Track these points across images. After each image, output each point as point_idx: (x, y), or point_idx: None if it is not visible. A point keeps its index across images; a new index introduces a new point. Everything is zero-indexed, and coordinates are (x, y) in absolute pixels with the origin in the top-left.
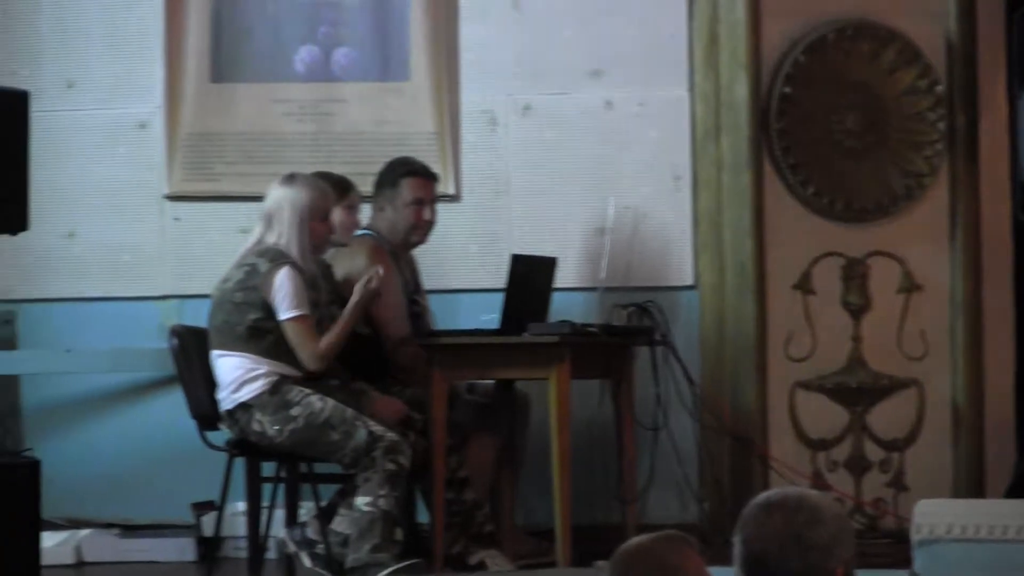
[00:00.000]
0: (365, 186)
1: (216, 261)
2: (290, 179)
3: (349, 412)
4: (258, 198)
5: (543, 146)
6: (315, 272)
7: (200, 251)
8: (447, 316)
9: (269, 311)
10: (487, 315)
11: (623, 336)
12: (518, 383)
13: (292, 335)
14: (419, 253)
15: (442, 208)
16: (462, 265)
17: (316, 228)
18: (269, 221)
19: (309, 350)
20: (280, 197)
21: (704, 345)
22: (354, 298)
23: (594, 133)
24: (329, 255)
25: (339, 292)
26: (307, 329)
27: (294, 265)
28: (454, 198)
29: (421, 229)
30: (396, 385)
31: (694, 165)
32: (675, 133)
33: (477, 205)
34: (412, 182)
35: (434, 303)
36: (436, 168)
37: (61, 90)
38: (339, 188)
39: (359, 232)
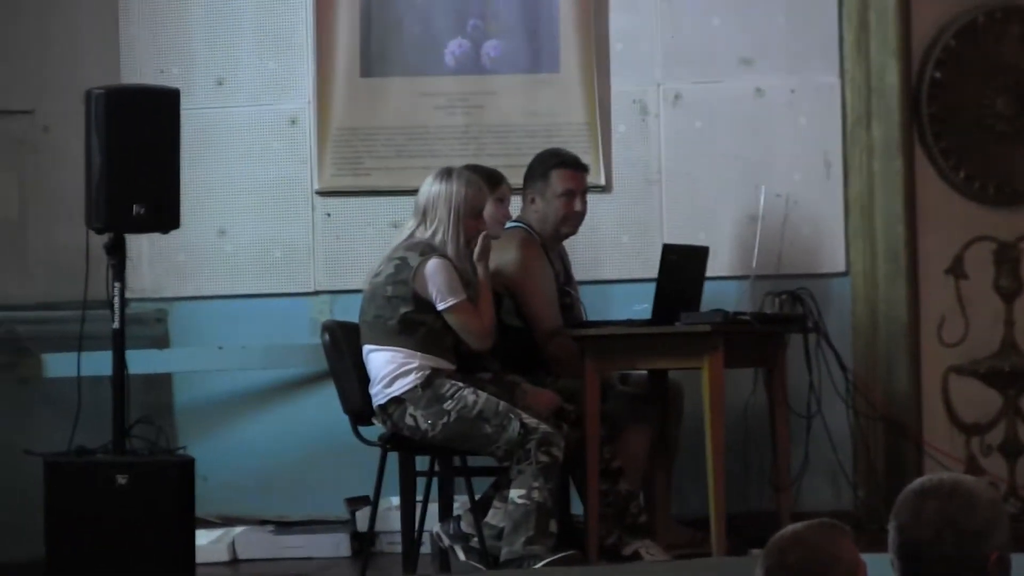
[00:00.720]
0: (515, 178)
1: (367, 256)
2: (447, 174)
3: (502, 405)
4: (409, 192)
5: (694, 135)
6: (469, 269)
7: (351, 246)
8: (599, 307)
9: (420, 304)
10: (639, 305)
11: (776, 324)
12: (671, 373)
13: (456, 322)
14: (570, 244)
15: (593, 199)
16: (613, 256)
17: (470, 225)
18: (423, 216)
19: (477, 331)
20: (436, 192)
21: (856, 332)
22: (479, 267)
23: (745, 121)
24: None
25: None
26: (470, 312)
27: (444, 256)
28: (604, 188)
29: (572, 220)
30: (548, 377)
31: (845, 152)
32: (826, 120)
33: (628, 195)
34: (562, 173)
35: (585, 294)
36: (586, 159)
37: (211, 87)
38: (490, 180)
39: (510, 224)
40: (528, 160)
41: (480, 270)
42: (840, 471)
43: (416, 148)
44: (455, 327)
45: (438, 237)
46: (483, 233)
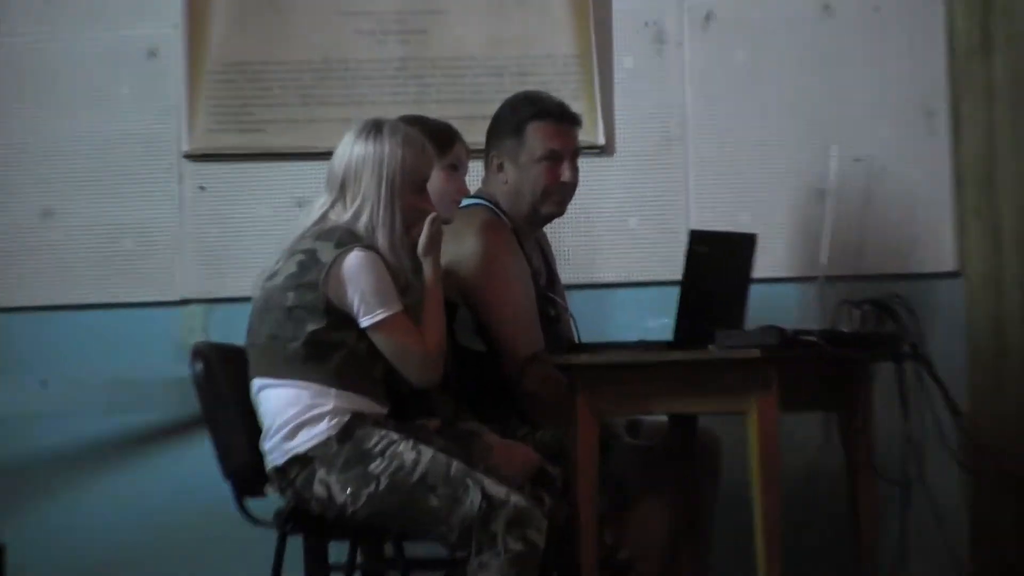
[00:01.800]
0: (474, 135)
1: (257, 248)
2: (374, 130)
3: (455, 466)
4: (320, 156)
5: (732, 72)
6: (407, 268)
7: (235, 234)
8: (597, 322)
9: (336, 318)
10: (655, 320)
11: (855, 348)
12: (702, 419)
13: (389, 344)
14: (554, 231)
15: (586, 165)
16: (617, 248)
17: (410, 203)
18: (341, 189)
19: (419, 357)
20: (358, 156)
21: (974, 358)
22: (425, 264)
23: (807, 52)
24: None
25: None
26: (408, 330)
27: (372, 248)
28: (604, 150)
29: (556, 195)
30: (524, 425)
31: (953, 95)
32: (926, 49)
33: (638, 160)
34: (543, 128)
35: (577, 303)
36: (577, 107)
37: (32, 5)
38: (437, 139)
39: (467, 202)
40: (493, 109)
41: (426, 268)
42: (950, 556)
43: (331, 92)
44: (387, 352)
45: (363, 220)
46: (430, 216)
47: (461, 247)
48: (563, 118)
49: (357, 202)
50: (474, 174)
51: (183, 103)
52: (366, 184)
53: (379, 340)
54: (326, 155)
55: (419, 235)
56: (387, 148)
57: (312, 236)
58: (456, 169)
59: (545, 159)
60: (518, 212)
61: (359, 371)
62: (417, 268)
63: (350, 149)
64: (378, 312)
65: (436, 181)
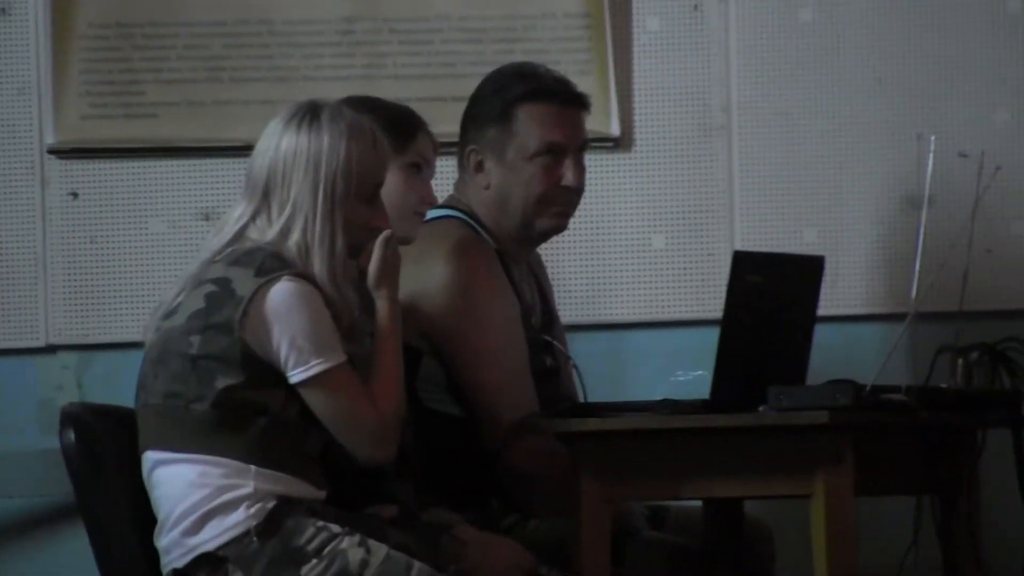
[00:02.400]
0: (445, 123)
1: (151, 276)
2: (309, 116)
3: (417, 569)
4: (237, 151)
5: (795, 39)
6: (352, 304)
7: (119, 257)
8: (610, 375)
9: (258, 371)
10: (687, 372)
11: (958, 410)
12: (749, 506)
13: (325, 406)
14: (552, 253)
15: (596, 163)
16: (637, 275)
17: (357, 215)
18: (264, 198)
19: (364, 425)
20: (287, 153)
21: None
22: (379, 299)
23: (898, 11)
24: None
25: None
26: (350, 388)
27: (305, 276)
28: (619, 144)
29: (556, 205)
30: (510, 514)
31: None
32: None
33: (665, 157)
34: (539, 113)
35: (584, 350)
36: (583, 84)
37: None
38: (396, 128)
39: (434, 213)
40: (470, 88)
41: (379, 305)
42: None
43: (250, 65)
44: (325, 417)
45: (293, 238)
46: (383, 234)
47: (426, 275)
48: (567, 100)
49: (285, 214)
50: (444, 175)
51: (46, 79)
52: (297, 190)
53: (314, 401)
54: (244, 150)
55: (369, 261)
56: (325, 141)
57: (225, 261)
58: (419, 169)
59: (541, 155)
60: (504, 227)
61: (288, 443)
62: (367, 304)
63: (276, 143)
64: (313, 363)
65: (393, 186)
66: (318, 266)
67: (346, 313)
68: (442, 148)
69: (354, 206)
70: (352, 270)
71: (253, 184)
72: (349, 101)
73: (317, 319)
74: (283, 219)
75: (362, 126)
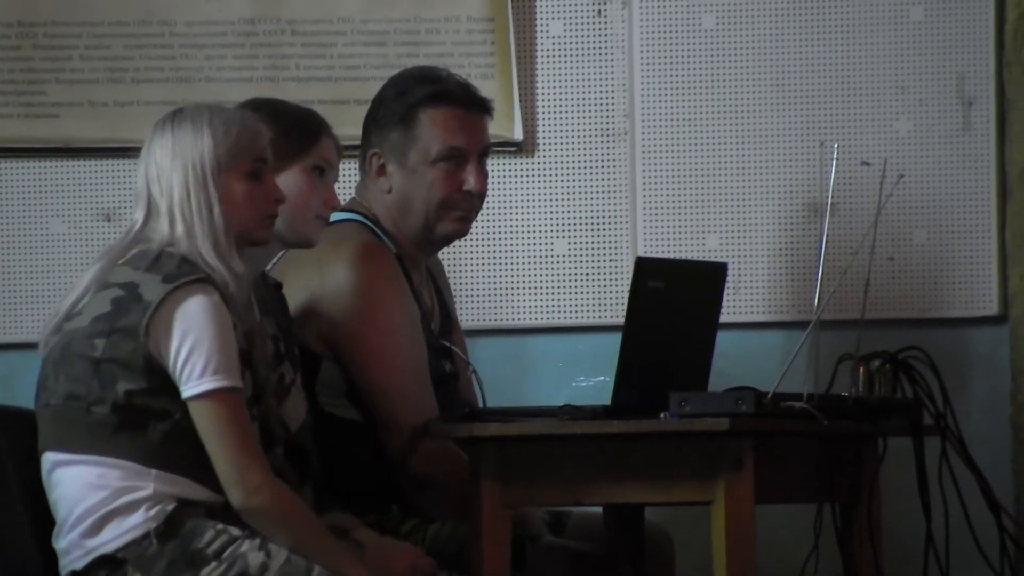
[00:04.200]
0: (347, 126)
1: (51, 277)
2: (172, 117)
3: (317, 572)
4: (137, 152)
5: (698, 44)
6: (243, 277)
7: (19, 258)
8: (510, 380)
9: (159, 379)
10: (588, 378)
11: (859, 417)
12: (650, 512)
13: (205, 426)
14: (452, 257)
15: (498, 168)
16: (538, 280)
17: (238, 189)
18: (148, 200)
19: (237, 464)
20: (158, 151)
21: (1021, 432)
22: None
23: (800, 17)
24: (277, 266)
25: (293, 337)
26: (233, 415)
27: (213, 285)
28: (521, 148)
29: (458, 210)
30: (411, 518)
31: (999, 79)
32: (964, 15)
33: (567, 162)
34: (441, 117)
35: (484, 355)
36: (486, 89)
37: None
38: (297, 133)
39: (336, 217)
40: (372, 90)
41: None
42: None
43: (152, 66)
44: (205, 437)
45: (178, 226)
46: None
47: (326, 278)
48: (470, 104)
49: (165, 206)
50: (346, 179)
51: None
52: (171, 181)
53: (198, 419)
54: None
55: (263, 239)
56: (188, 131)
57: (131, 264)
58: (322, 173)
59: (443, 160)
60: (405, 231)
61: (188, 447)
62: (261, 300)
63: (147, 150)
64: (205, 380)
65: (295, 189)
66: (200, 240)
67: (242, 305)
68: (345, 152)
69: (232, 182)
70: (242, 249)
71: (138, 193)
72: (252, 103)
73: (220, 337)
74: (166, 211)
75: (228, 110)
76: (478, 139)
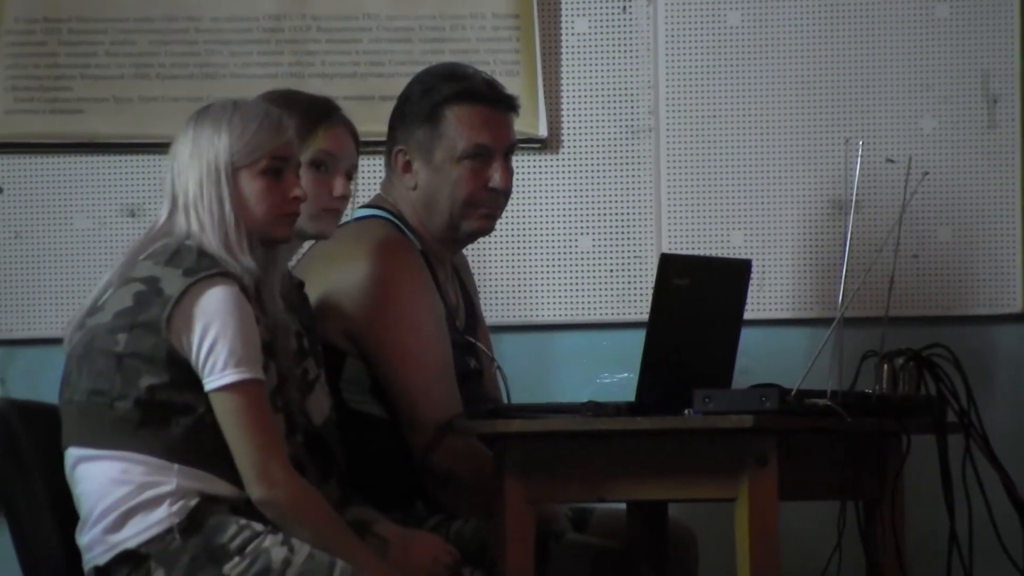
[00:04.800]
0: (373, 122)
1: (76, 272)
2: (198, 114)
3: (340, 568)
4: (162, 148)
5: (723, 41)
6: (268, 291)
7: (43, 253)
8: (535, 377)
9: (183, 373)
10: (613, 374)
11: (883, 415)
12: (673, 509)
13: (227, 419)
14: (478, 254)
15: (524, 165)
16: (562, 277)
17: (253, 187)
18: (172, 196)
19: (258, 458)
20: (182, 148)
21: None
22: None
23: (826, 14)
24: (301, 262)
25: (316, 334)
26: (254, 408)
27: (233, 278)
28: (546, 145)
29: (484, 207)
30: (434, 514)
31: None
32: (989, 15)
33: (592, 159)
34: (468, 115)
35: (509, 352)
36: (512, 87)
37: None
38: (300, 125)
39: (360, 213)
40: (398, 87)
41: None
42: None
43: (177, 62)
44: (225, 430)
45: (192, 219)
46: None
47: (350, 274)
48: (495, 102)
49: (182, 202)
50: (372, 174)
51: None
52: (189, 177)
53: (220, 412)
54: (170, 147)
55: (283, 236)
56: (208, 128)
57: (153, 259)
58: (322, 166)
59: (469, 157)
60: (431, 228)
61: (211, 442)
62: (284, 296)
63: (175, 148)
64: (228, 373)
65: (309, 182)
66: (210, 236)
67: (273, 321)
68: (370, 148)
69: (248, 179)
70: (255, 244)
71: (167, 183)
72: (268, 95)
73: (242, 329)
74: (182, 207)
75: (251, 104)
76: (504, 136)
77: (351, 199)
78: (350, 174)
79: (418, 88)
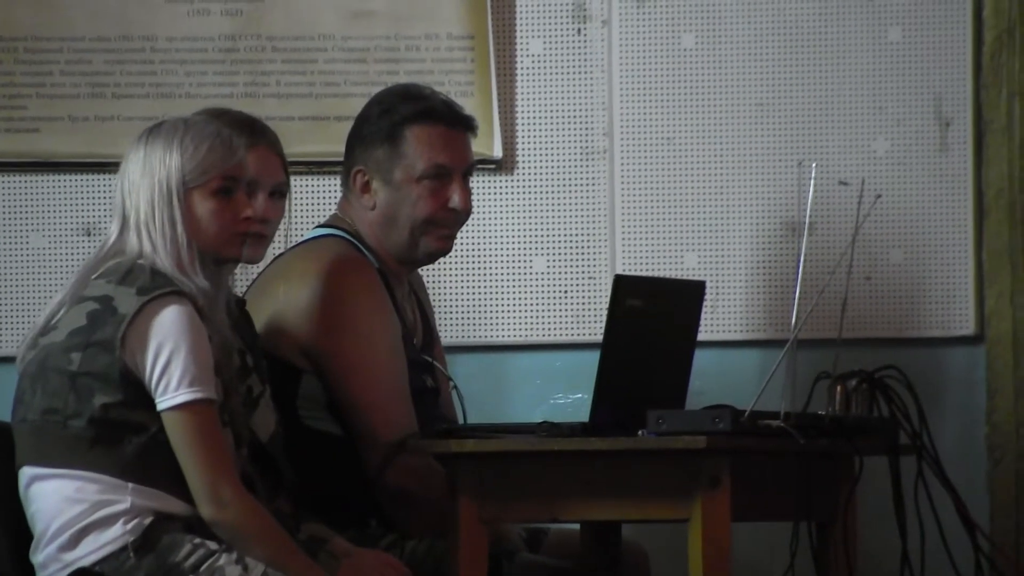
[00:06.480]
0: (328, 142)
1: (30, 291)
2: (148, 131)
3: None
4: (117, 167)
5: (677, 63)
6: (207, 291)
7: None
8: (490, 396)
9: (136, 392)
10: (567, 395)
11: (835, 436)
12: (626, 529)
13: (179, 439)
14: (434, 274)
15: (479, 186)
16: (517, 297)
17: (204, 207)
18: (122, 214)
19: (209, 478)
20: (131, 168)
21: (998, 454)
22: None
23: (778, 36)
24: (258, 280)
25: (259, 351)
26: (206, 428)
27: (187, 297)
28: (500, 166)
29: (443, 228)
30: (387, 533)
31: (977, 100)
32: (943, 36)
33: (547, 180)
34: (427, 135)
35: (464, 372)
36: (467, 108)
37: None
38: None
39: (317, 232)
40: (353, 107)
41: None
42: None
43: (133, 81)
44: (176, 450)
45: (143, 239)
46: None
47: (306, 291)
48: (454, 122)
49: (134, 221)
50: (327, 194)
51: None
52: (140, 196)
53: (172, 432)
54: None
55: (233, 256)
56: (159, 146)
57: (105, 277)
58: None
59: (429, 177)
60: (389, 247)
61: (165, 460)
62: (245, 325)
63: (125, 165)
64: (181, 392)
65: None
66: (163, 255)
67: (222, 339)
68: (325, 168)
69: (199, 199)
70: (207, 265)
71: (116, 206)
72: (195, 115)
73: (196, 349)
74: (134, 226)
75: (201, 124)
76: (463, 157)
77: (280, 220)
78: (282, 193)
79: (376, 108)
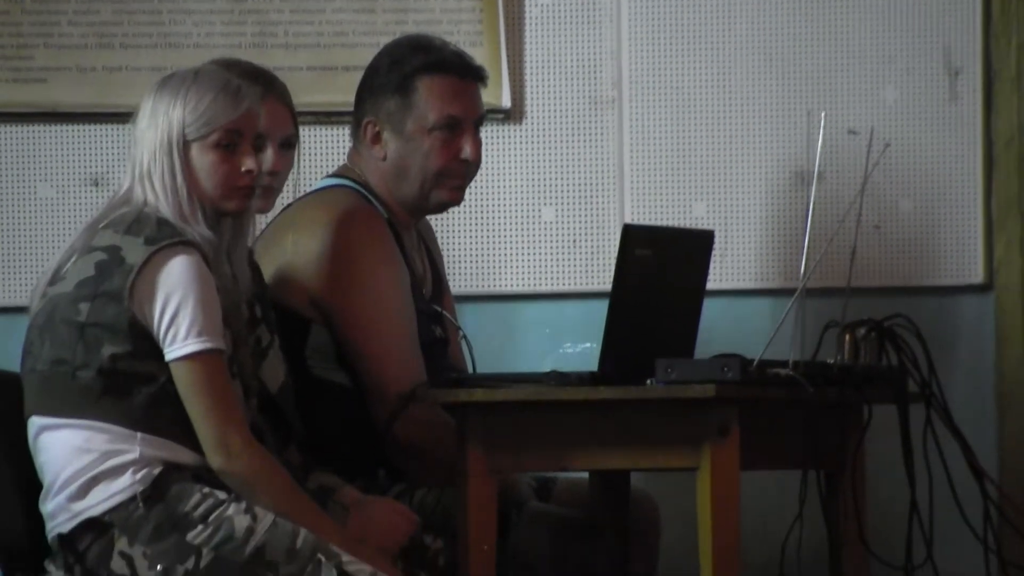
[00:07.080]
0: (337, 92)
1: (38, 241)
2: (161, 84)
3: (303, 536)
4: (125, 117)
5: (687, 12)
6: (210, 239)
7: (7, 221)
8: (498, 346)
9: (145, 342)
10: (576, 344)
11: (844, 385)
12: (636, 478)
13: (187, 389)
14: (443, 224)
15: (488, 136)
16: (526, 247)
17: (205, 160)
18: (133, 164)
19: (217, 428)
20: (141, 118)
21: (1006, 401)
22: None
23: None
24: (267, 231)
25: (268, 301)
26: (215, 379)
27: (194, 246)
28: (509, 116)
29: (455, 179)
30: (396, 483)
31: (986, 50)
32: None
33: (555, 130)
34: (439, 86)
35: (474, 321)
36: (475, 58)
37: None
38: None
39: (325, 183)
40: (362, 58)
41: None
42: None
43: (140, 32)
44: (185, 400)
45: (147, 188)
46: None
47: (315, 242)
48: (465, 73)
49: (139, 172)
50: (338, 145)
51: None
52: (142, 150)
53: (182, 379)
54: (131, 116)
55: (234, 209)
56: (165, 100)
57: (113, 227)
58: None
59: (440, 128)
60: (400, 198)
61: (173, 411)
62: (257, 278)
63: (138, 110)
64: (189, 342)
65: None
66: (163, 205)
67: (227, 290)
68: (334, 119)
69: (200, 152)
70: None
71: (128, 159)
72: (206, 64)
73: (204, 299)
74: (139, 176)
75: (211, 75)
76: (474, 108)
77: (289, 172)
78: (291, 144)
79: (387, 60)
